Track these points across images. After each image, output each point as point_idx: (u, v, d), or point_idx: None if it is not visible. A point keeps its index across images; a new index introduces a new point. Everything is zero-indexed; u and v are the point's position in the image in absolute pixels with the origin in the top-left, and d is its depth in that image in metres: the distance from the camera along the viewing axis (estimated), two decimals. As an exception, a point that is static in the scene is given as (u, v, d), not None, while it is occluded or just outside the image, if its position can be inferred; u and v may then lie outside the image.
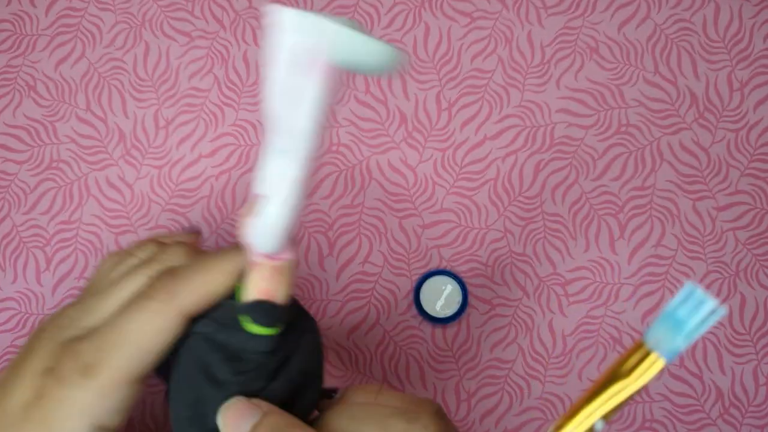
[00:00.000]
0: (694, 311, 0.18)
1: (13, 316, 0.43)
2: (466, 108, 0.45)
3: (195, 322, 0.26)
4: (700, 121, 0.45)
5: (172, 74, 0.45)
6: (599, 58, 0.45)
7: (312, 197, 0.44)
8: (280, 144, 0.22)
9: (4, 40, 0.45)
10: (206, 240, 0.44)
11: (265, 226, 0.24)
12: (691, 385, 0.43)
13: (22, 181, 0.44)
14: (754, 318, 0.44)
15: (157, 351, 0.25)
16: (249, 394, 0.25)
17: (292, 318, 0.26)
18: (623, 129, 0.45)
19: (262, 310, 0.24)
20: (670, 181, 0.44)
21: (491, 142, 0.45)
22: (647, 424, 0.43)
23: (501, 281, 0.44)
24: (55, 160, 0.45)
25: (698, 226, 0.44)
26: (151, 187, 0.44)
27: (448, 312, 0.42)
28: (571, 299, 0.44)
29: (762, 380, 0.43)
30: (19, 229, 0.44)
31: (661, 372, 0.19)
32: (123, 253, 0.30)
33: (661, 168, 0.44)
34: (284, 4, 0.45)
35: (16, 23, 0.45)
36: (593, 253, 0.44)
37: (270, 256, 0.24)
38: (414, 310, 0.43)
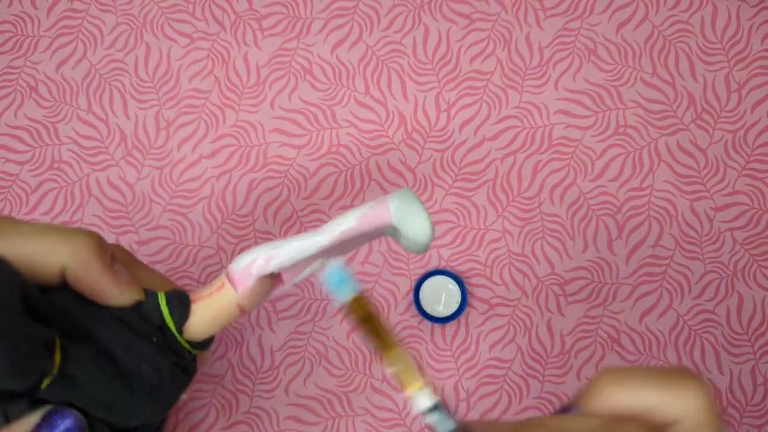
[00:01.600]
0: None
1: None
2: (465, 109, 0.45)
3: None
4: (698, 122, 0.45)
5: (172, 75, 0.45)
6: (597, 59, 0.45)
7: (312, 197, 0.44)
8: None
9: (6, 42, 0.46)
10: (206, 240, 0.44)
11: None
12: (688, 385, 0.43)
13: (24, 182, 0.45)
14: (751, 318, 0.44)
15: None
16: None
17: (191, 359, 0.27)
18: (621, 130, 0.45)
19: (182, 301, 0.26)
20: (668, 182, 0.45)
21: (490, 142, 0.45)
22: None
23: (500, 281, 0.44)
24: (56, 160, 0.45)
25: (696, 227, 0.44)
26: (152, 187, 0.45)
27: (448, 312, 0.42)
28: (569, 299, 0.44)
29: (760, 380, 0.43)
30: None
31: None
32: None
33: (659, 168, 0.45)
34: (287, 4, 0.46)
35: (17, 25, 0.46)
36: (591, 254, 0.44)
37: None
38: (413, 310, 0.43)
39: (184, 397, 0.29)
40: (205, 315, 0.26)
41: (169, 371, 0.25)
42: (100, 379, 0.23)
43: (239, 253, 0.44)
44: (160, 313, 0.25)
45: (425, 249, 0.28)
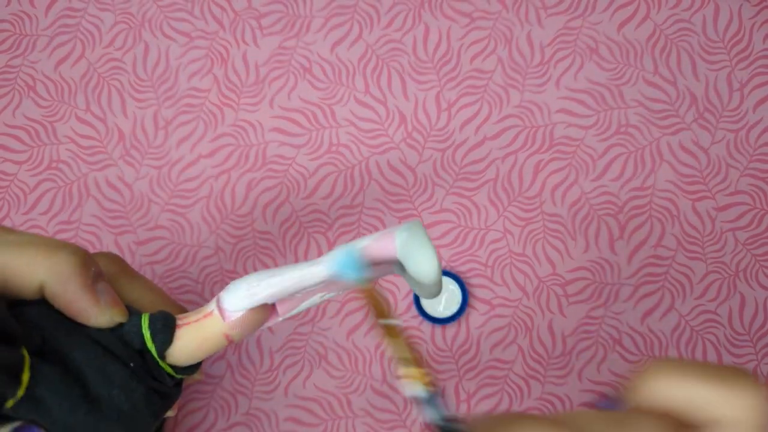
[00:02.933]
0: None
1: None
2: (465, 108, 0.45)
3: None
4: (700, 121, 0.45)
5: (171, 74, 0.45)
6: (599, 58, 0.45)
7: (311, 197, 0.44)
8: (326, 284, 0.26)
9: (4, 41, 0.45)
10: (205, 240, 0.44)
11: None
12: (690, 386, 0.43)
13: (22, 182, 0.44)
14: (753, 318, 0.44)
15: None
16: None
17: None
18: (623, 129, 0.45)
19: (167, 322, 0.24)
20: (670, 182, 0.44)
21: (491, 142, 0.45)
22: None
23: (500, 281, 0.43)
24: (54, 160, 0.45)
25: (698, 227, 0.44)
26: (150, 187, 0.44)
27: (448, 312, 0.42)
28: (571, 299, 0.43)
29: (762, 380, 0.43)
30: (19, 229, 0.44)
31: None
32: None
33: (661, 168, 0.44)
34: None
35: (15, 23, 0.45)
36: (593, 254, 0.44)
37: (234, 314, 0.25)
38: (414, 311, 0.43)
39: (170, 413, 0.28)
40: (190, 342, 0.25)
41: (144, 397, 0.24)
42: (66, 403, 0.22)
43: (236, 256, 0.44)
44: (141, 336, 0.24)
45: (433, 291, 0.26)
